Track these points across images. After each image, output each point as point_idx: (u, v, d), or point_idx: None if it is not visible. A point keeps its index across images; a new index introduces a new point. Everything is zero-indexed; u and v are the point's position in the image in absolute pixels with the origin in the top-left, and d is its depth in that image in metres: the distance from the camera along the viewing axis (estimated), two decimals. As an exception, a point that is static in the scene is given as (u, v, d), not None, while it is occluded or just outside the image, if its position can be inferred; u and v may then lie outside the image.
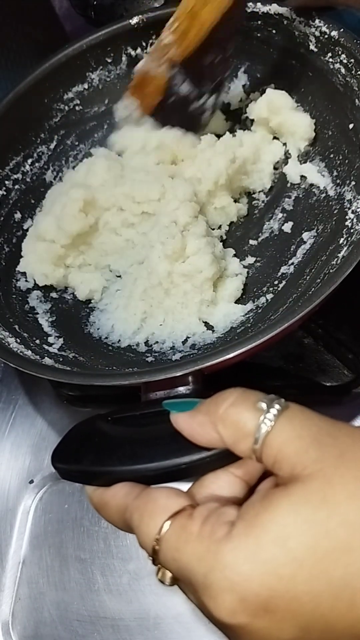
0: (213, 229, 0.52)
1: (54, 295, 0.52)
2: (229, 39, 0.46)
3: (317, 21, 0.48)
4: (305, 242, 0.49)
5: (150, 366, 0.46)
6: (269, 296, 0.48)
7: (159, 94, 0.49)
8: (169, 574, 0.28)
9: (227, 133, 0.53)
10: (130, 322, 0.48)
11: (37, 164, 0.57)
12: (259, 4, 0.51)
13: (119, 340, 0.49)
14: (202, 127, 0.52)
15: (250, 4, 0.51)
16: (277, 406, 0.27)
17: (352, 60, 0.46)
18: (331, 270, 0.40)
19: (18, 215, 0.55)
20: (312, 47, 0.49)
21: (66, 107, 0.58)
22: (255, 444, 0.27)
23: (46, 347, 0.47)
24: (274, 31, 0.52)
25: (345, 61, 0.47)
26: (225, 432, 0.28)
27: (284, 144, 0.54)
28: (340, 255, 0.42)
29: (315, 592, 0.24)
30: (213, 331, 0.47)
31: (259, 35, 0.53)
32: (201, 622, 0.44)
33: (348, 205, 0.46)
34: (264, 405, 0.28)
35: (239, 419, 0.28)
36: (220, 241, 0.51)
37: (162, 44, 0.47)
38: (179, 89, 0.48)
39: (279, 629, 0.24)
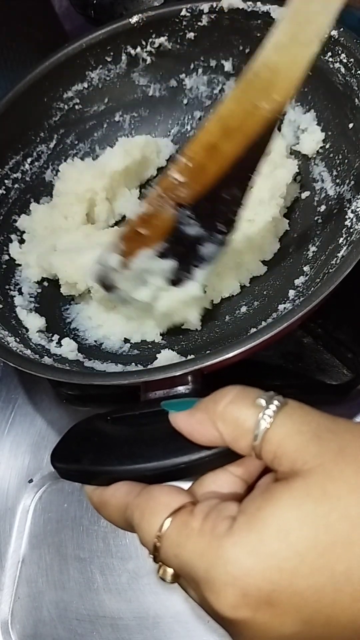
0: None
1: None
2: (251, 171, 0.37)
3: (316, 20, 0.48)
4: (304, 242, 0.49)
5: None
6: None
7: (161, 238, 0.40)
8: (169, 572, 0.28)
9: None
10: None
11: (36, 163, 0.57)
12: (258, 3, 0.51)
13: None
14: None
15: (250, 2, 0.51)
16: (276, 402, 0.28)
17: (352, 59, 0.46)
18: (331, 270, 0.40)
19: (17, 215, 0.55)
20: (311, 46, 0.49)
21: (66, 106, 0.58)
22: (254, 441, 0.27)
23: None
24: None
25: (345, 60, 0.47)
26: (224, 429, 0.28)
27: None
28: (339, 254, 0.42)
29: (317, 586, 0.24)
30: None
31: (258, 34, 0.53)
32: (200, 620, 0.44)
33: (347, 205, 0.46)
34: (263, 402, 0.28)
35: (238, 415, 0.28)
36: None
37: (172, 184, 0.38)
38: (186, 231, 0.39)
39: (281, 623, 0.24)
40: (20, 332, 0.47)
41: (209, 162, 0.36)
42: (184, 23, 0.55)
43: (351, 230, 0.43)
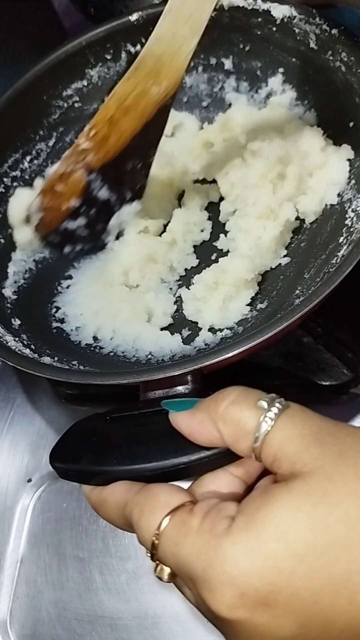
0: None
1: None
2: (151, 147, 0.44)
3: (317, 19, 0.48)
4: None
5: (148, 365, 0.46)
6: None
7: (75, 196, 0.44)
8: (167, 570, 0.28)
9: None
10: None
11: (35, 161, 0.57)
12: (259, 1, 0.51)
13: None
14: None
15: (250, 0, 0.51)
16: (278, 405, 0.28)
17: (353, 58, 0.46)
18: (331, 269, 0.40)
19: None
20: (312, 44, 0.49)
21: (65, 104, 0.57)
22: (255, 443, 0.27)
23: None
24: (274, 29, 0.51)
25: (345, 59, 0.47)
26: (225, 430, 0.28)
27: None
28: (340, 254, 0.42)
29: (315, 588, 0.24)
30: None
31: (259, 32, 0.53)
32: (199, 620, 0.44)
33: (348, 204, 0.46)
34: (264, 404, 0.28)
35: (240, 417, 0.28)
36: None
37: (79, 149, 0.44)
38: (98, 194, 0.44)
39: (278, 625, 0.24)
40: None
41: (110, 134, 0.42)
42: (184, 21, 0.54)
43: (351, 229, 0.43)
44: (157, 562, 0.28)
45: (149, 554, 0.28)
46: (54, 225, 0.44)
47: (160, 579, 0.28)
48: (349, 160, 0.48)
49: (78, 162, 0.43)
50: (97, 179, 0.43)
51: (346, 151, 0.48)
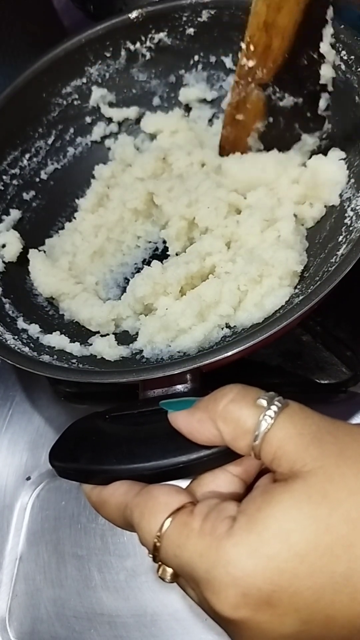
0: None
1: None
2: (319, 26, 0.39)
3: (317, 17, 0.48)
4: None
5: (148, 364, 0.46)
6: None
7: (259, 118, 0.44)
8: (169, 571, 0.28)
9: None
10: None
11: (35, 159, 0.57)
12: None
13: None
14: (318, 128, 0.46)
15: (251, 0, 0.51)
16: (277, 403, 0.28)
17: (352, 56, 0.46)
18: (330, 269, 0.40)
19: (15, 211, 0.54)
20: (312, 43, 0.49)
21: (64, 102, 0.57)
22: (254, 441, 0.27)
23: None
24: (274, 27, 0.51)
25: (345, 58, 0.47)
26: (224, 429, 0.28)
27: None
28: (339, 253, 0.42)
29: (317, 587, 0.24)
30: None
31: (258, 30, 0.52)
32: (198, 618, 0.44)
33: (347, 203, 0.46)
34: (264, 402, 0.28)
35: (239, 415, 0.28)
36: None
37: (244, 70, 0.41)
38: (282, 104, 0.42)
39: (281, 623, 0.25)
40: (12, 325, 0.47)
41: (271, 39, 0.39)
42: (184, 18, 0.54)
43: (351, 228, 0.43)
44: (160, 563, 0.28)
45: (150, 555, 0.28)
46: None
47: (162, 579, 0.28)
48: (344, 159, 0.47)
49: (248, 83, 0.41)
50: (275, 90, 0.41)
51: (337, 152, 0.48)
